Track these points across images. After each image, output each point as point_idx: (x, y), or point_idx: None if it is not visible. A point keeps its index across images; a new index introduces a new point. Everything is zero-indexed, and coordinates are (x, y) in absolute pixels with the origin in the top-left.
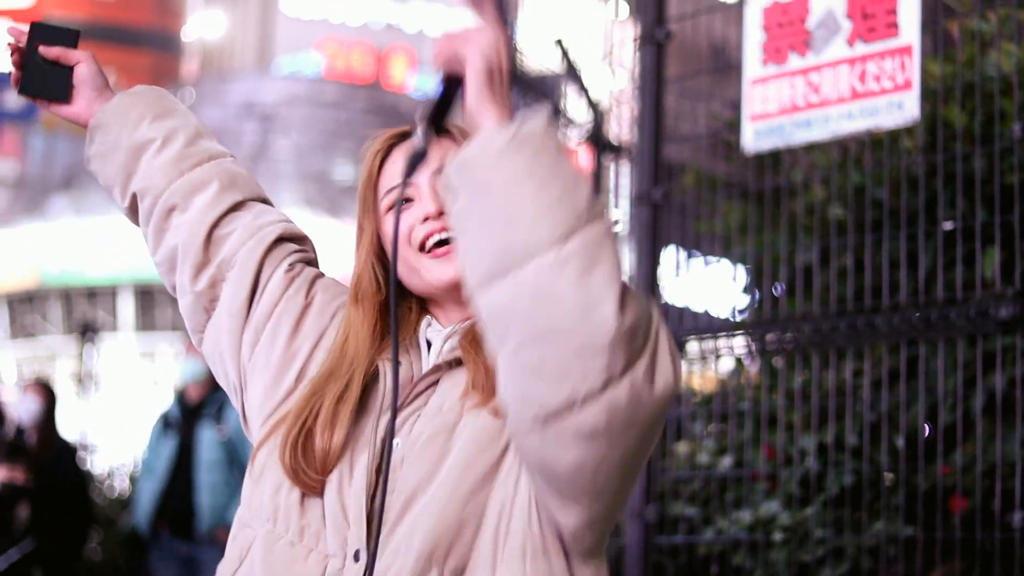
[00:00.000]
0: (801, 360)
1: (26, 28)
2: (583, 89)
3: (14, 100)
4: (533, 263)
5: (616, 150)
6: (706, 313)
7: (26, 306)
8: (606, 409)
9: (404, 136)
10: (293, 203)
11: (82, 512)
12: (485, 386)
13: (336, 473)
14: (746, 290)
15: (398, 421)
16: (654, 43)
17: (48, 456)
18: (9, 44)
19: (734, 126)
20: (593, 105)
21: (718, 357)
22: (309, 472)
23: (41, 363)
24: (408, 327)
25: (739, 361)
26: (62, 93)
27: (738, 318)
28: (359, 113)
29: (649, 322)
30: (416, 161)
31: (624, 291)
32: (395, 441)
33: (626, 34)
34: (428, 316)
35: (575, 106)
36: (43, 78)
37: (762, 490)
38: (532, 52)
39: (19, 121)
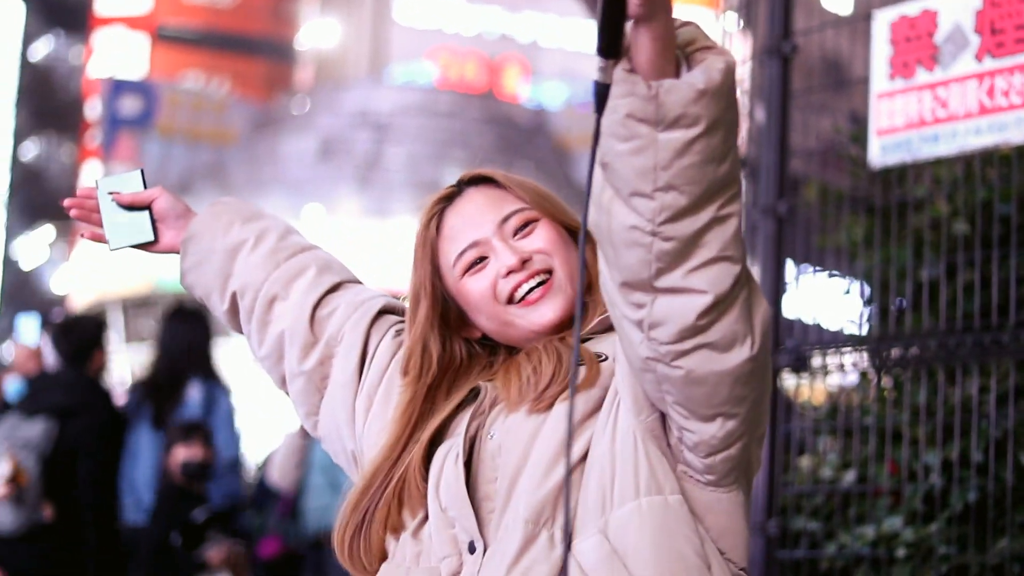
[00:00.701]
0: (926, 376)
1: (93, 186)
2: None
3: (129, 106)
4: (720, 197)
5: (744, 164)
6: (828, 327)
7: (141, 311)
8: (739, 306)
9: (451, 198)
10: (405, 212)
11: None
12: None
13: (432, 481)
14: (868, 304)
15: (489, 419)
16: (780, 56)
17: None
18: (83, 210)
19: (858, 140)
20: None
21: (843, 371)
22: (366, 562)
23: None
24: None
25: (864, 375)
26: (148, 234)
27: (862, 333)
28: (472, 122)
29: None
30: (603, 96)
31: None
32: (490, 433)
33: (740, 49)
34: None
35: None
36: (126, 228)
37: (885, 506)
38: None
39: (135, 127)
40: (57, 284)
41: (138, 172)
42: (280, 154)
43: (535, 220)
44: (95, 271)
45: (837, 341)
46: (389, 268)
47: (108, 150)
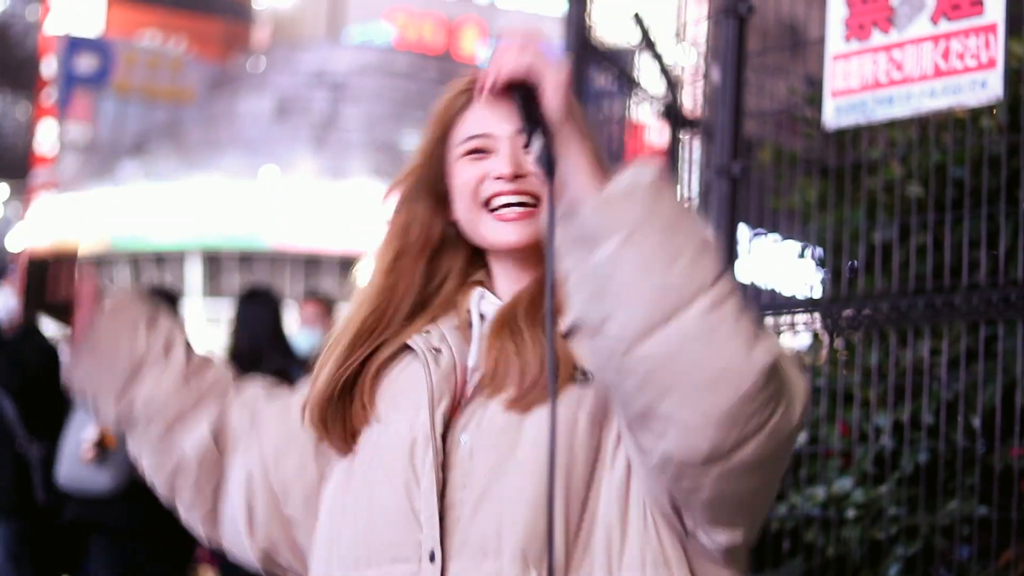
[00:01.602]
0: (878, 338)
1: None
2: (660, 64)
3: (86, 64)
4: (696, 306)
5: (692, 125)
6: (780, 290)
7: (95, 270)
8: (768, 440)
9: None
10: (362, 172)
11: None
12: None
13: (402, 474)
14: (821, 266)
15: (463, 418)
16: (736, 17)
17: None
18: None
19: (813, 102)
20: (669, 80)
21: (795, 333)
22: (337, 435)
23: None
24: (455, 295)
25: (816, 337)
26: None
27: (814, 295)
28: (430, 83)
29: (781, 348)
30: (547, 159)
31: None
32: (463, 436)
33: (699, 10)
34: (480, 287)
35: (650, 80)
36: None
37: (836, 467)
38: (608, 25)
39: (90, 85)
40: (12, 242)
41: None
42: (236, 114)
43: None
44: (50, 229)
45: (790, 303)
46: (345, 229)
47: (64, 108)
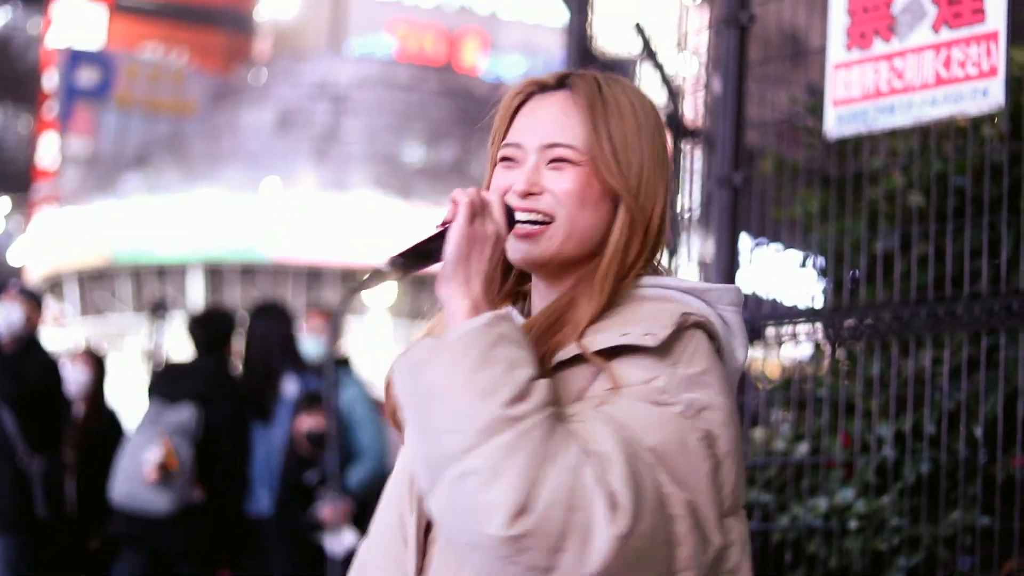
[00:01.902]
0: (879, 348)
1: None
2: (661, 73)
3: (87, 77)
4: (445, 475)
5: (694, 135)
6: (782, 300)
7: (96, 283)
8: None
9: (546, 87)
10: (363, 184)
11: None
12: None
13: (400, 502)
14: (823, 276)
15: None
16: (737, 26)
17: (95, 427)
18: None
19: (814, 111)
20: (671, 89)
21: (797, 343)
22: None
23: (111, 340)
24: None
25: (817, 347)
26: None
27: (816, 305)
28: (431, 95)
29: (566, 510)
30: (371, 281)
31: (528, 495)
32: None
33: (700, 20)
34: (510, 304)
35: (652, 90)
36: None
37: (838, 478)
38: (609, 35)
39: (92, 99)
40: (14, 256)
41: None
42: (238, 126)
43: (576, 164)
44: (52, 243)
45: (791, 313)
46: (347, 241)
47: (65, 121)
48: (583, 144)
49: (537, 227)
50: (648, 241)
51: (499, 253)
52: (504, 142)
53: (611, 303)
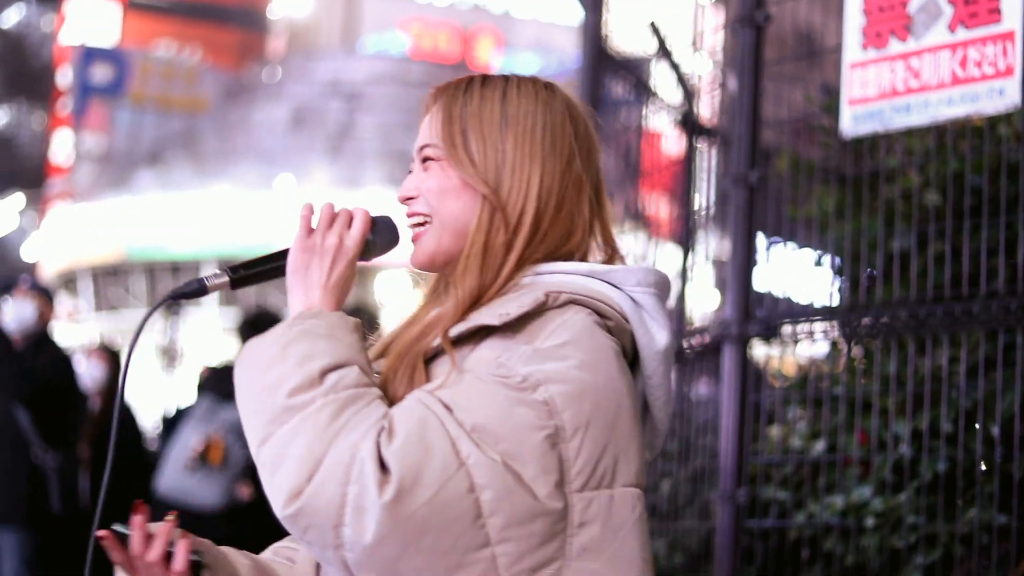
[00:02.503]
0: (896, 346)
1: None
2: (676, 72)
3: (101, 74)
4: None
5: (709, 134)
6: (798, 299)
7: (111, 279)
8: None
9: (445, 90)
10: (377, 181)
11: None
12: None
13: None
14: (839, 275)
15: None
16: (753, 26)
17: (110, 422)
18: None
19: (830, 110)
20: (686, 88)
21: (813, 341)
22: None
23: (125, 336)
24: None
25: (834, 345)
26: None
27: (832, 304)
28: None
29: (341, 484)
30: (192, 292)
31: (309, 473)
32: None
33: (714, 19)
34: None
35: (667, 89)
36: None
37: (855, 475)
38: (623, 34)
39: (106, 95)
40: (27, 252)
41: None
42: (252, 123)
43: (437, 160)
44: (66, 239)
45: (808, 312)
46: None
47: (79, 118)
48: (439, 139)
49: (421, 228)
50: (520, 229)
51: (345, 265)
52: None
53: (498, 292)
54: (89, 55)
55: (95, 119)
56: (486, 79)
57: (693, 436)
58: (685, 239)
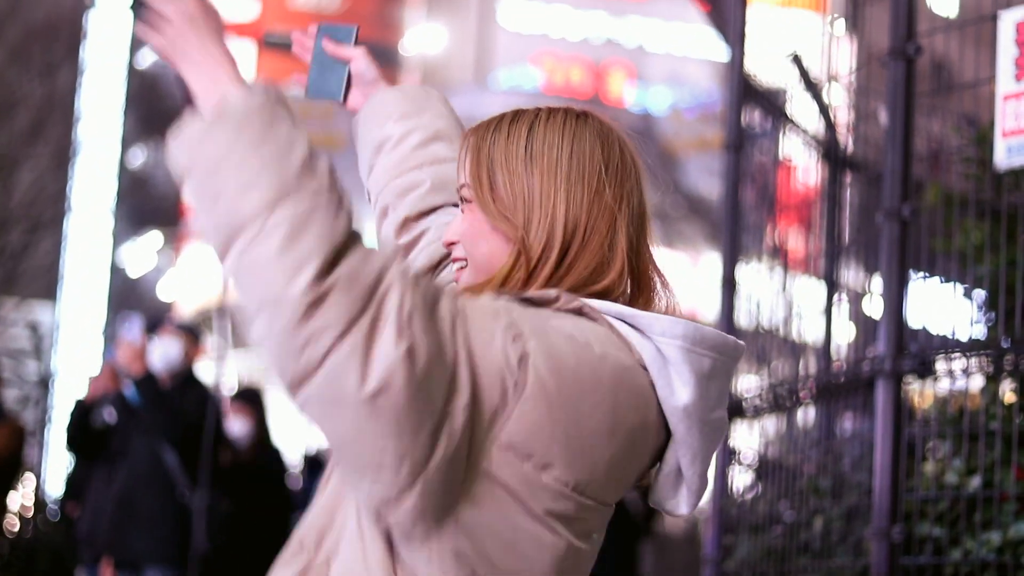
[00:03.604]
0: None
1: (313, 29)
2: (819, 104)
3: None
4: (241, 237)
5: (852, 166)
6: (951, 333)
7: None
8: (327, 381)
9: (476, 130)
10: None
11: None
12: None
13: None
14: (990, 309)
15: None
16: (904, 58)
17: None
18: (299, 46)
19: (981, 142)
20: (828, 120)
21: (968, 376)
22: None
23: (263, 374)
24: None
25: (989, 380)
26: (338, 93)
27: (985, 338)
28: None
29: (372, 287)
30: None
31: (341, 250)
32: None
33: (855, 49)
34: None
35: (808, 120)
36: (323, 80)
37: (1011, 511)
38: (764, 67)
39: None
40: (164, 291)
41: (354, 28)
42: None
43: (469, 201)
44: (201, 277)
45: (962, 346)
46: None
47: None
48: (469, 179)
49: (460, 270)
50: (544, 263)
51: (213, 20)
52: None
53: None
54: None
55: None
56: (517, 115)
57: (846, 472)
58: (829, 273)
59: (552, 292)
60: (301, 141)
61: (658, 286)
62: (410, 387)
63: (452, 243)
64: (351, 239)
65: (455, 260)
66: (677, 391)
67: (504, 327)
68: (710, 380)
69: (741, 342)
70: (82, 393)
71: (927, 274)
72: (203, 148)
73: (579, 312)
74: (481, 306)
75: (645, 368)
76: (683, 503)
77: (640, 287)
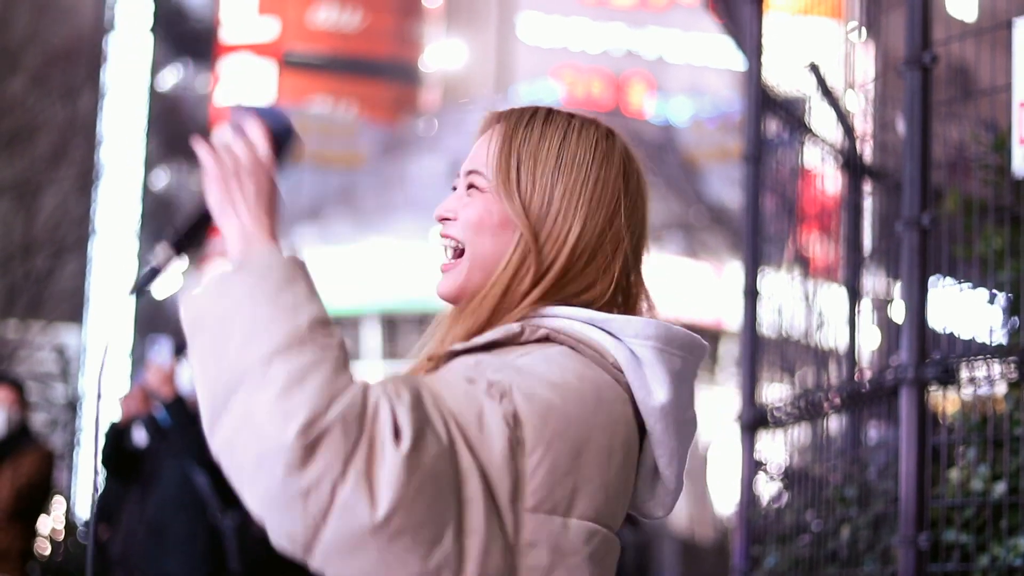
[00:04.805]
0: None
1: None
2: (837, 113)
3: None
4: (242, 389)
5: (871, 174)
6: (972, 338)
7: None
8: (341, 521)
9: (508, 117)
10: None
11: None
12: None
13: None
14: (1014, 315)
15: None
16: (920, 67)
17: None
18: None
19: (1000, 148)
20: (847, 129)
21: (991, 382)
22: None
23: None
24: None
25: (1012, 386)
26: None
27: (1008, 343)
28: None
29: (361, 415)
30: (149, 279)
31: (328, 405)
32: None
33: (872, 58)
34: None
35: (826, 129)
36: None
37: None
38: (783, 76)
39: None
40: None
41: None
42: (409, 176)
43: (483, 191)
44: None
45: (984, 351)
46: None
47: None
48: (491, 171)
49: (452, 262)
50: (548, 274)
51: (262, 176)
52: (466, 170)
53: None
54: (246, 113)
55: None
56: (550, 114)
57: (873, 480)
58: (851, 281)
59: (515, 327)
60: (316, 302)
61: (643, 301)
62: (422, 490)
63: (447, 219)
64: (347, 387)
65: (445, 237)
66: (654, 391)
67: (485, 391)
68: (682, 380)
69: (705, 343)
70: (116, 416)
71: (953, 279)
72: (219, 295)
73: (545, 339)
74: (453, 381)
75: (619, 369)
76: (660, 505)
77: (625, 299)
